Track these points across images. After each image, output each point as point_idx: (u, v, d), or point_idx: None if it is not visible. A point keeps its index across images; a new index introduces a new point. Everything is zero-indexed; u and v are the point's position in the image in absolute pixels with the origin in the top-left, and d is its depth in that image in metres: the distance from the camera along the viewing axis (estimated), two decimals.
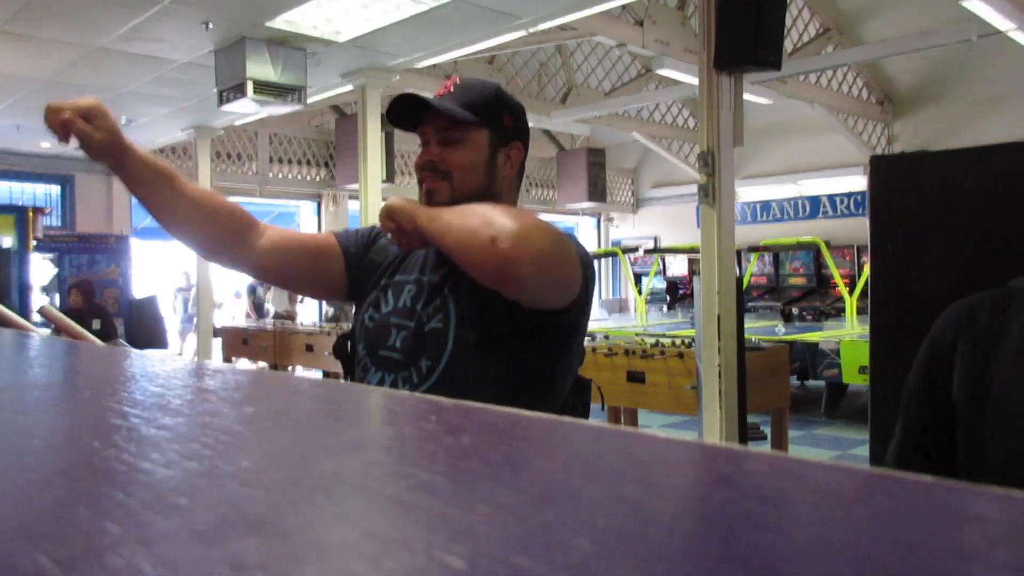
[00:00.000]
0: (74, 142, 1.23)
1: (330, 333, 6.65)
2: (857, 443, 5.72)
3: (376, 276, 1.39)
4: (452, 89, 1.33)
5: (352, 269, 1.42)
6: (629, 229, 13.55)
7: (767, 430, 5.17)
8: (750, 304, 10.40)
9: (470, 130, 1.31)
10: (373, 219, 6.84)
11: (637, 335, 5.94)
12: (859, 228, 8.95)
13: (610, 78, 9.56)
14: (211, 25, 4.78)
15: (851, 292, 8.52)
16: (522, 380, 1.24)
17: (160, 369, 0.71)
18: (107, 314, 6.97)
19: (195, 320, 8.76)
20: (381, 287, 1.36)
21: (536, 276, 1.14)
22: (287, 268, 1.43)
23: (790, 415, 4.94)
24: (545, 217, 1.49)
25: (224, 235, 1.38)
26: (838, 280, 9.06)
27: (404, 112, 1.31)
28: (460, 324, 1.25)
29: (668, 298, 12.30)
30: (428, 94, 1.34)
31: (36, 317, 4.83)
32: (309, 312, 10.21)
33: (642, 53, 7.00)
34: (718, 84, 4.30)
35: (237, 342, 7.87)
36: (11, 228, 6.76)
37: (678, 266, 12.55)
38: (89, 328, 2.99)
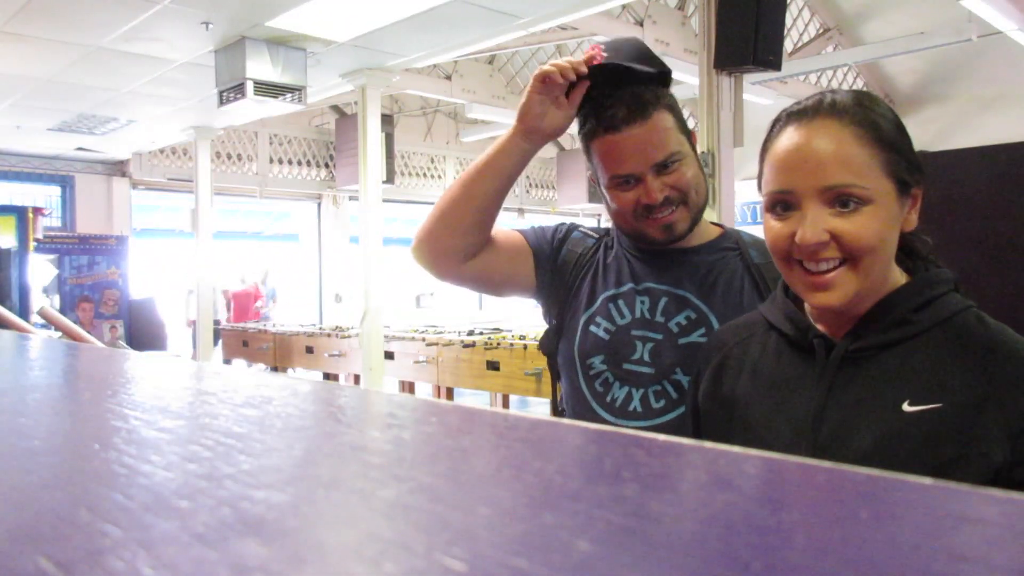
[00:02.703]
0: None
1: (330, 335, 6.62)
2: None
3: (579, 281, 1.28)
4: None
5: (543, 269, 1.30)
6: None
7: None
8: None
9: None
10: (373, 220, 6.72)
11: None
12: None
13: None
14: (211, 25, 4.78)
15: None
16: None
17: (160, 371, 0.71)
18: None
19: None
20: (608, 298, 1.24)
21: None
22: (489, 273, 1.30)
23: None
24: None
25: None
26: None
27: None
28: None
29: None
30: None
31: (36, 318, 4.82)
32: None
33: None
34: (718, 84, 4.31)
35: (237, 343, 7.85)
36: (11, 229, 6.74)
37: None
38: None
